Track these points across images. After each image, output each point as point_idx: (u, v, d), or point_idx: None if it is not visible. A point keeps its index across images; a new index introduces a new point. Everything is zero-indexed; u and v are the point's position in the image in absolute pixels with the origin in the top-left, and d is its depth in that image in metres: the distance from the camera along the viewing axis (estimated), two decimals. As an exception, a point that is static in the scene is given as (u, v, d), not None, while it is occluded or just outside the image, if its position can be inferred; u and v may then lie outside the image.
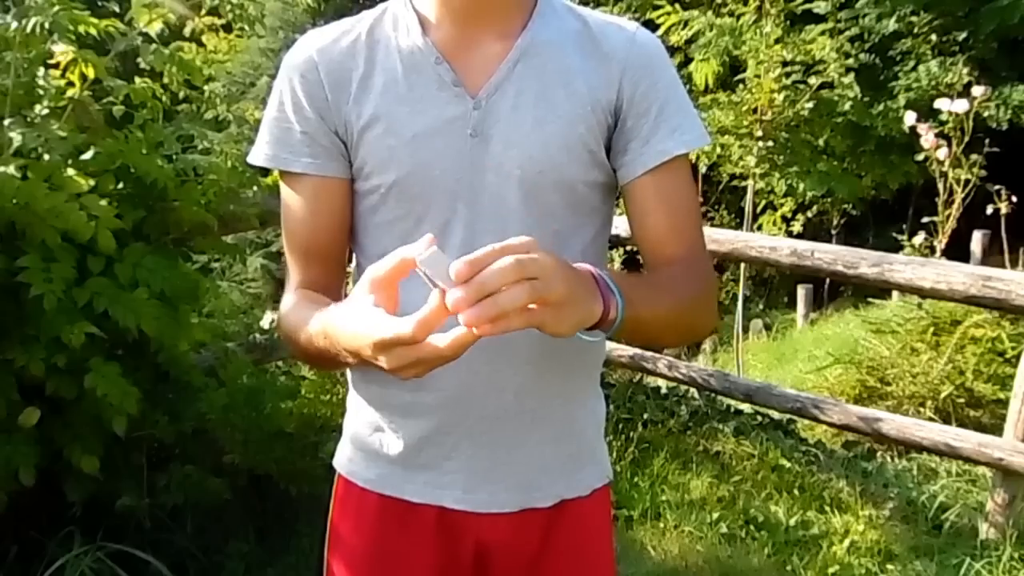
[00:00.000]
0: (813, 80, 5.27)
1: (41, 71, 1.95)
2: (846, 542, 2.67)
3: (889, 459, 3.32)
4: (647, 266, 0.97)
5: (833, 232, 7.46)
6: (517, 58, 0.91)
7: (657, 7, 5.58)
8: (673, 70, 0.96)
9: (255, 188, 2.35)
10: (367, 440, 1.01)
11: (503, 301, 0.64)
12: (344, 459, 1.05)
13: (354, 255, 1.01)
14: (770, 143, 4.97)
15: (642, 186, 0.93)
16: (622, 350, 3.68)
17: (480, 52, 0.91)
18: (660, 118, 0.92)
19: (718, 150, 5.29)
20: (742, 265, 5.18)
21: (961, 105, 4.04)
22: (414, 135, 0.89)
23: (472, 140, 0.90)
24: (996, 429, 2.95)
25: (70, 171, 1.83)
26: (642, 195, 0.93)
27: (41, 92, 1.94)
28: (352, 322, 0.73)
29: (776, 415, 3.41)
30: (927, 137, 4.07)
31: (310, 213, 0.94)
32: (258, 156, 0.95)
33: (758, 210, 5.93)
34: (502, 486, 0.97)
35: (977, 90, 4.23)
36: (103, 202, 1.81)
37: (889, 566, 2.57)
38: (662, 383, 3.77)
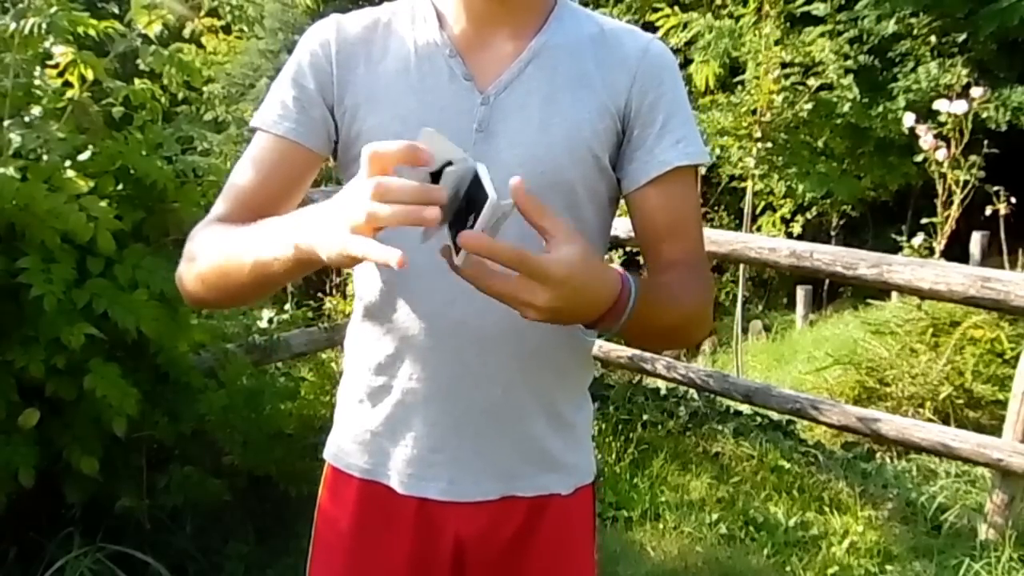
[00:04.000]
0: (812, 81, 5.28)
1: (40, 72, 1.95)
2: (845, 543, 2.67)
3: (888, 460, 3.32)
4: (648, 270, 0.98)
5: (832, 233, 7.47)
6: (529, 59, 0.92)
7: (656, 9, 5.59)
8: (682, 84, 0.97)
9: (254, 189, 2.35)
10: (355, 430, 1.02)
11: (496, 287, 0.72)
12: (333, 447, 1.06)
13: None
14: (769, 144, 4.97)
15: (645, 196, 0.94)
16: (621, 351, 3.67)
17: (493, 50, 0.93)
18: (664, 129, 0.93)
19: (717, 151, 5.30)
20: (741, 266, 5.18)
21: (960, 106, 4.04)
22: (420, 125, 0.90)
23: (477, 135, 0.91)
24: (995, 430, 2.95)
25: (69, 172, 1.83)
26: (645, 204, 0.94)
27: (40, 93, 1.94)
28: (329, 204, 0.72)
29: (775, 416, 3.41)
30: (926, 138, 4.08)
31: (268, 171, 0.94)
32: (253, 119, 0.96)
33: (757, 211, 5.91)
34: (486, 475, 0.98)
35: (976, 91, 4.23)
36: (103, 203, 1.82)
37: (888, 567, 2.57)
38: (661, 384, 3.77)
